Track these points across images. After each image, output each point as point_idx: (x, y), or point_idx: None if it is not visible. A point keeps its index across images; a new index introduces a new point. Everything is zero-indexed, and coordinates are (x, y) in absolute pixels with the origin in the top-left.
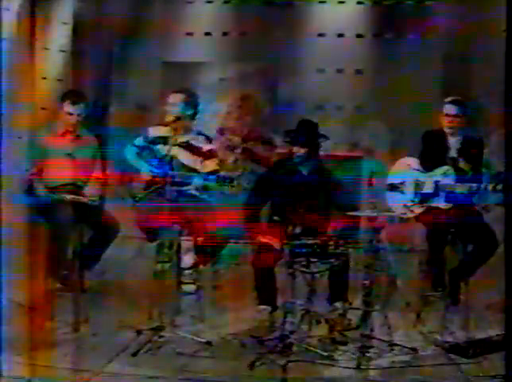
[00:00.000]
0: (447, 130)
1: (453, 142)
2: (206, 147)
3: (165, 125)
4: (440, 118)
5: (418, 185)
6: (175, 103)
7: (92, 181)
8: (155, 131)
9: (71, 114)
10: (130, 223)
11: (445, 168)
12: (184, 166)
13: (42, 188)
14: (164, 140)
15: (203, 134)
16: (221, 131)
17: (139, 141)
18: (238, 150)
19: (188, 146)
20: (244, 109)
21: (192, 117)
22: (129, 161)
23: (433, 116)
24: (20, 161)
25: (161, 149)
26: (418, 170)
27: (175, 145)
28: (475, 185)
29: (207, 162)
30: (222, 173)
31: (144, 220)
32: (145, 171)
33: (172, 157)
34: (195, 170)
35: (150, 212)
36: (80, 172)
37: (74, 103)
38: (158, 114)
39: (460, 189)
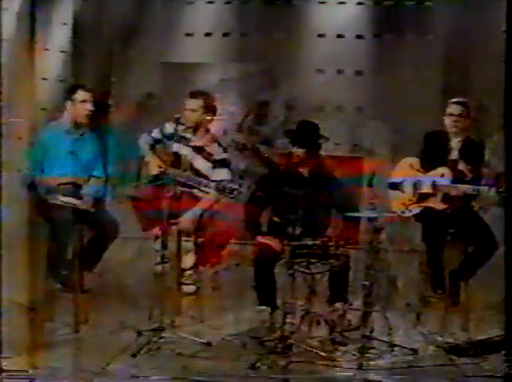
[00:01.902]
0: (450, 131)
1: (455, 142)
2: (220, 156)
3: (183, 124)
4: (443, 118)
5: (416, 184)
6: (194, 108)
7: (92, 180)
8: (171, 128)
9: (84, 101)
10: (131, 223)
11: (443, 169)
12: (194, 169)
13: (44, 185)
14: (179, 138)
15: (218, 141)
16: (231, 134)
17: (156, 133)
18: (247, 152)
19: (201, 151)
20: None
21: (211, 121)
22: (141, 150)
23: (434, 116)
24: (20, 161)
25: (175, 146)
26: (418, 170)
27: (189, 146)
28: (471, 186)
29: (218, 171)
30: (223, 182)
31: (142, 209)
32: (154, 165)
33: (183, 157)
34: (204, 176)
35: (150, 203)
36: (81, 170)
37: (88, 91)
38: (158, 115)
39: (456, 190)
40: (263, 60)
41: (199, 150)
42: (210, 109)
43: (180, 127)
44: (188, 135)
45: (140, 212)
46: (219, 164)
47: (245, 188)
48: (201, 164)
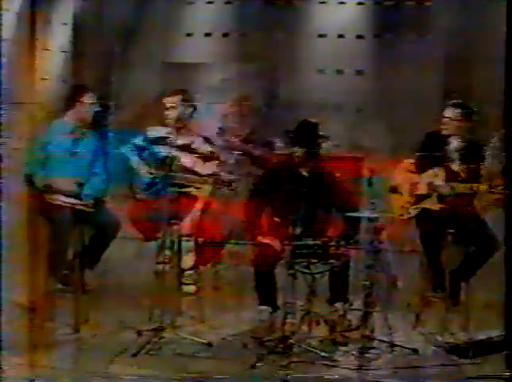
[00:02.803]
0: (447, 133)
1: (452, 144)
2: (206, 149)
3: (165, 126)
4: (441, 120)
5: (413, 186)
6: (173, 104)
7: (94, 178)
8: (155, 132)
9: (93, 103)
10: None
11: (436, 170)
12: (183, 168)
13: (45, 184)
14: (164, 141)
15: (203, 136)
16: (221, 132)
17: (139, 141)
18: (238, 152)
19: (188, 148)
20: (243, 110)
21: (190, 116)
22: (129, 162)
23: (434, 117)
24: (21, 161)
25: (161, 150)
26: (414, 172)
27: (175, 146)
28: (463, 186)
29: (207, 165)
30: (220, 177)
31: (142, 219)
32: (144, 172)
33: (172, 159)
34: (195, 172)
35: (148, 211)
36: (82, 170)
37: (94, 93)
38: (158, 115)
39: (447, 190)
40: (263, 60)
41: (185, 147)
42: (189, 103)
43: (163, 129)
44: (173, 135)
45: (140, 224)
46: (207, 158)
47: (241, 182)
48: (190, 161)
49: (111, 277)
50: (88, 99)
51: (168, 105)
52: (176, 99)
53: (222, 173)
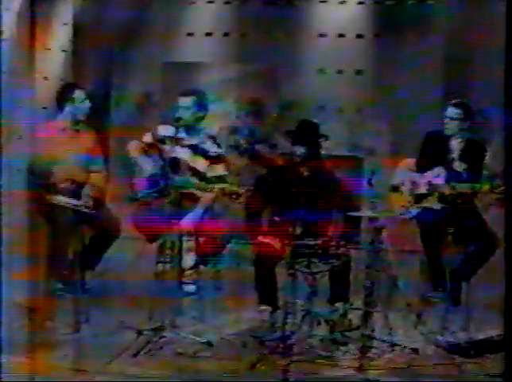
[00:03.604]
0: (448, 132)
1: (453, 144)
2: (214, 151)
3: (175, 125)
4: (441, 120)
5: (414, 185)
6: (187, 105)
7: (93, 175)
8: (164, 130)
9: (83, 100)
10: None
11: (437, 169)
12: (190, 169)
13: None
14: (172, 140)
15: (212, 138)
16: (228, 133)
17: (148, 137)
18: (245, 152)
19: (196, 149)
20: (250, 110)
21: (202, 118)
22: (134, 159)
23: (434, 117)
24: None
25: (169, 149)
26: (415, 171)
27: (183, 146)
28: (465, 185)
29: (215, 166)
30: (227, 188)
31: (144, 221)
32: (148, 171)
33: (179, 159)
34: (201, 173)
35: (150, 213)
36: (82, 168)
37: (85, 90)
38: (159, 115)
39: (450, 189)
40: (263, 60)
41: (193, 148)
42: (202, 106)
43: (172, 128)
44: (182, 135)
45: (142, 226)
46: (214, 160)
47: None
48: (197, 162)
49: (111, 277)
50: (78, 95)
51: (182, 105)
52: (190, 99)
53: (228, 185)
